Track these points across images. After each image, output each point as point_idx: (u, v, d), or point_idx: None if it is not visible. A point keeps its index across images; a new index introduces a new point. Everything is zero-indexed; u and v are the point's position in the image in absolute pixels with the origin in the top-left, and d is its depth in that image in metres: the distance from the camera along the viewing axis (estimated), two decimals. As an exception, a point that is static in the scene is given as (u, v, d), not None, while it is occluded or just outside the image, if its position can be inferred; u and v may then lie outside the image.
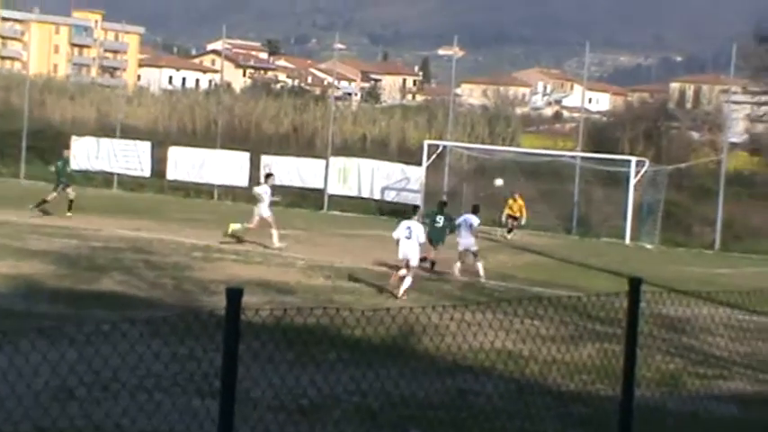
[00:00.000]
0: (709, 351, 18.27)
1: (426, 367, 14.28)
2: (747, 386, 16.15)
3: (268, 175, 33.32)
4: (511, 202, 40.35)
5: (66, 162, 38.65)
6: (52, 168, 38.72)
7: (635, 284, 8.11)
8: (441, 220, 29.24)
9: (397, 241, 24.55)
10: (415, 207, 26.85)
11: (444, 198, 33.88)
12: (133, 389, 10.80)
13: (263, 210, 30.87)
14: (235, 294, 6.31)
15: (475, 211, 29.66)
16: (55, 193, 36.38)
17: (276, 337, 11.90)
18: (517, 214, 40.25)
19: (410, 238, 24.44)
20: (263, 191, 31.46)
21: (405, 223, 25.03)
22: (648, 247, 40.25)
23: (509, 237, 39.44)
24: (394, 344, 14.61)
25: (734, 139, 58.84)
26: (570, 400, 13.55)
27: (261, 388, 10.91)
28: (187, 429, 9.97)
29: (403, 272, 23.97)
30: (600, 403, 13.18)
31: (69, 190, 36.55)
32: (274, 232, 30.40)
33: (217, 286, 22.13)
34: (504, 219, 40.47)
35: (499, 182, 41.14)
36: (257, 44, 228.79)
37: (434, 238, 28.58)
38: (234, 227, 31.05)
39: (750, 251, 40.38)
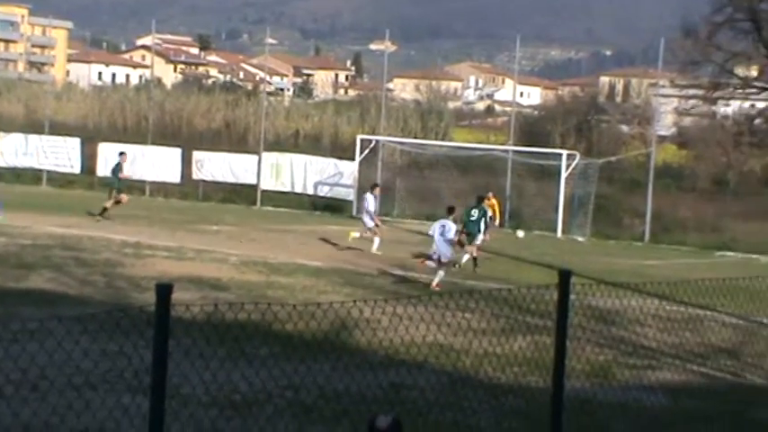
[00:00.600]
0: (638, 342, 18.45)
1: (359, 361, 14.28)
2: (675, 376, 16.34)
3: (374, 186, 34.55)
4: (486, 203, 39.28)
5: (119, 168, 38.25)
6: (109, 175, 38.75)
7: (565, 277, 8.17)
8: (475, 213, 30.65)
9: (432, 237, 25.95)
10: (450, 208, 27.84)
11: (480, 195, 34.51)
12: (62, 387, 10.68)
13: (366, 218, 32.54)
14: (164, 290, 6.26)
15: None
16: (111, 200, 36.67)
17: (207, 333, 11.85)
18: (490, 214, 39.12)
19: (442, 235, 25.80)
20: (369, 200, 32.93)
21: (439, 222, 26.50)
22: (580, 239, 40.59)
23: (486, 238, 37.88)
24: (326, 339, 14.60)
25: (662, 132, 59.46)
26: (502, 393, 13.61)
27: (192, 384, 10.85)
28: (117, 427, 9.90)
29: (432, 264, 25.44)
30: (532, 395, 13.26)
31: (123, 195, 37.10)
32: (377, 240, 31.71)
33: (148, 283, 21.97)
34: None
35: (520, 234, 40.22)
36: (188, 39, 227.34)
37: (471, 231, 29.98)
38: (353, 235, 31.82)
39: (678, 243, 40.83)
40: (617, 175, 51.56)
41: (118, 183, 37.12)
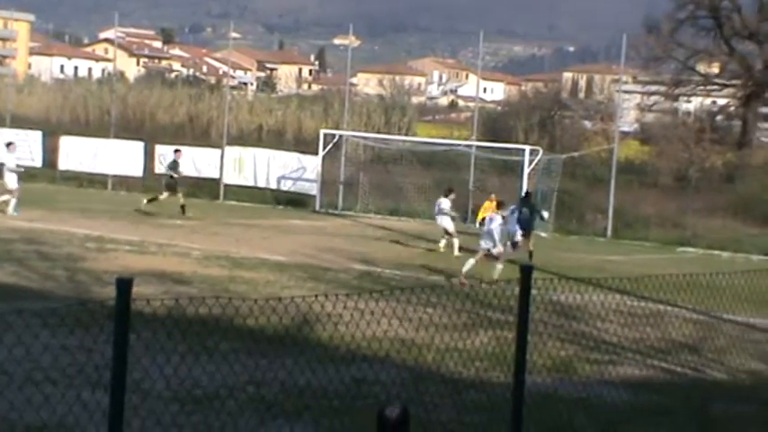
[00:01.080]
0: (600, 337, 18.53)
1: (321, 356, 14.28)
2: (637, 371, 16.43)
3: (449, 190, 34.67)
4: (487, 203, 38.89)
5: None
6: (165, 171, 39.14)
7: (526, 272, 8.19)
8: (525, 211, 31.76)
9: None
10: (500, 202, 29.38)
11: (527, 190, 36.17)
12: (21, 381, 10.62)
13: (446, 222, 32.95)
14: (125, 284, 6.23)
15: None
16: (179, 194, 37.42)
17: (168, 327, 11.80)
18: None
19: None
20: (445, 205, 33.29)
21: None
22: (543, 234, 40.61)
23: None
24: (288, 333, 14.58)
25: (625, 129, 59.73)
26: (464, 387, 13.66)
27: (153, 379, 10.82)
28: (77, 422, 9.85)
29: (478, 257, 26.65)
30: (494, 390, 13.30)
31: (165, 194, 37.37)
32: (455, 241, 32.15)
33: (110, 277, 21.83)
34: (478, 222, 38.76)
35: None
36: (151, 32, 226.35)
37: (525, 227, 30.95)
38: (456, 254, 31.57)
39: (640, 238, 41.02)
40: (580, 171, 51.76)
41: (170, 180, 37.72)
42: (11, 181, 35.62)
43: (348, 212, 44.42)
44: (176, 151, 39.82)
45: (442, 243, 33.08)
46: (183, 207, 37.32)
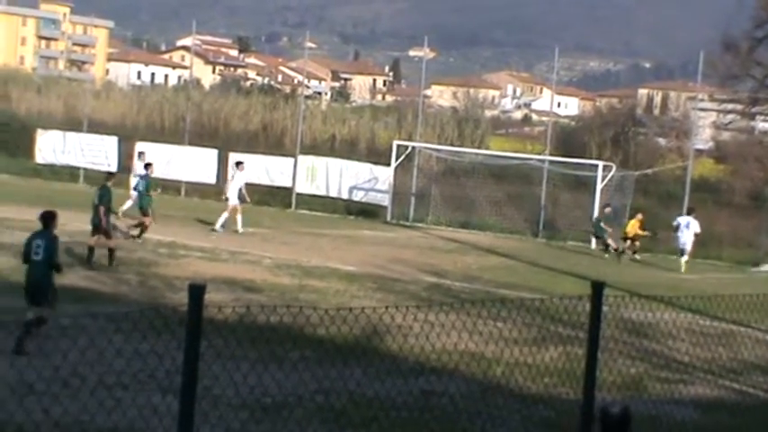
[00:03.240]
0: (671, 356, 18.35)
1: (390, 367, 14.27)
2: (708, 391, 16.24)
3: (691, 209, 38.31)
4: (633, 222, 39.09)
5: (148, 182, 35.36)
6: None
7: (598, 288, 8.13)
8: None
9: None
10: (690, 209, 36.68)
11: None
12: (94, 385, 10.72)
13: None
14: (197, 291, 6.27)
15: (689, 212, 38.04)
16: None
17: (239, 335, 11.86)
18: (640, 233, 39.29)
19: (687, 229, 35.55)
20: (693, 224, 36.70)
21: (683, 218, 36.34)
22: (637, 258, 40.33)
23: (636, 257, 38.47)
24: (358, 344, 14.60)
25: (700, 146, 59.10)
26: (533, 403, 13.58)
27: (223, 386, 10.88)
28: (147, 426, 9.93)
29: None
30: (562, 406, 13.22)
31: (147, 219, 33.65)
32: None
33: (182, 283, 22.03)
34: (627, 241, 39.07)
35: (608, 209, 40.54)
36: (228, 41, 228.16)
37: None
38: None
39: (714, 257, 40.56)
40: (653, 188, 51.29)
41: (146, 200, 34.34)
42: (232, 197, 35.48)
43: (419, 224, 44.40)
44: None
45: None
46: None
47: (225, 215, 34.82)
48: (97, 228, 25.35)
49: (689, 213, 37.76)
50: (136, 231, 30.48)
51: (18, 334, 13.91)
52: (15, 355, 13.15)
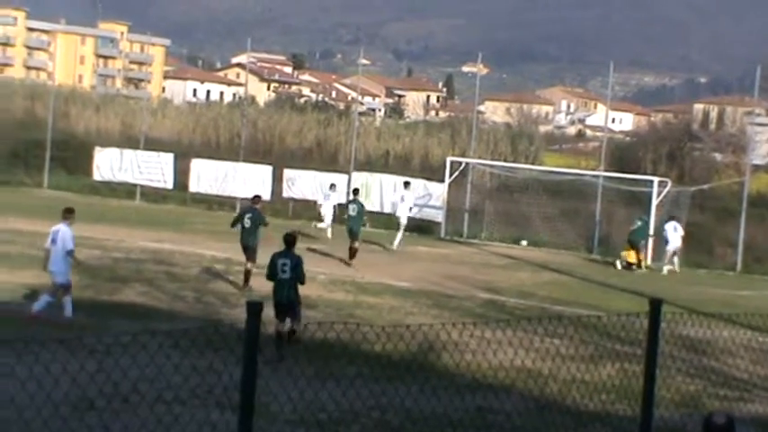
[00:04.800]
0: (729, 373, 18.19)
1: (446, 384, 14.26)
2: (763, 409, 16.08)
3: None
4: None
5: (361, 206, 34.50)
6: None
7: (655, 305, 8.09)
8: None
9: None
10: (672, 216, 37.77)
11: None
12: (152, 401, 10.81)
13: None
14: (255, 307, 6.32)
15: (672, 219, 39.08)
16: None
17: (296, 351, 11.91)
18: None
19: (675, 232, 37.53)
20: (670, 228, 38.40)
21: (668, 224, 37.86)
22: (670, 267, 40.11)
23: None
24: (414, 360, 14.61)
25: (757, 162, 58.54)
26: (590, 420, 13.52)
27: (280, 402, 10.93)
28: (205, 442, 9.98)
29: None
30: (619, 423, 13.15)
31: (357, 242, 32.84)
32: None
33: (238, 299, 22.19)
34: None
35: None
36: (282, 58, 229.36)
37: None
38: None
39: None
40: (709, 204, 50.88)
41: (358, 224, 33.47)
42: (403, 216, 38.79)
43: (473, 240, 44.35)
44: (332, 186, 40.81)
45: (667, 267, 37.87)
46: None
47: (399, 235, 38.12)
48: (249, 249, 25.13)
49: (671, 220, 38.91)
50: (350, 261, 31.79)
51: (277, 345, 15.12)
52: (278, 362, 14.19)
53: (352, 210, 33.52)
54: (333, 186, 42.17)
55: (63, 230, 19.29)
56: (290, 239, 18.29)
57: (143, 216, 42.82)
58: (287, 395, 10.46)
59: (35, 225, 34.09)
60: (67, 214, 19.70)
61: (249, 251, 25.08)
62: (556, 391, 14.37)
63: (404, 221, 38.55)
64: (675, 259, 38.77)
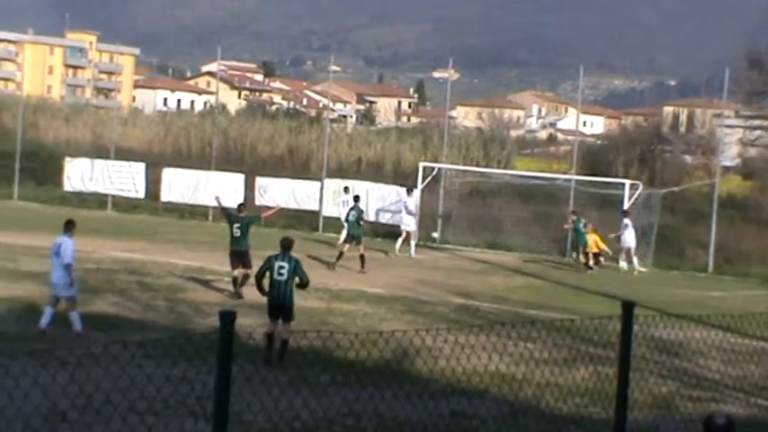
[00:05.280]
0: (701, 374, 18.26)
1: (420, 390, 14.26)
2: (740, 410, 16.14)
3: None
4: (595, 236, 39.45)
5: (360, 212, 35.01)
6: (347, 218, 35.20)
7: (628, 308, 8.12)
8: None
9: None
10: (625, 212, 37.91)
11: None
12: (125, 412, 10.76)
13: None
14: (228, 317, 6.30)
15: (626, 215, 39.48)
16: (347, 245, 33.99)
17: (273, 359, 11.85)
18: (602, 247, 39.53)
19: (628, 228, 37.71)
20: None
21: (625, 221, 38.16)
22: (642, 269, 40.28)
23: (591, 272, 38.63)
24: (388, 366, 14.60)
25: (727, 163, 58.87)
26: (564, 423, 13.54)
27: (254, 411, 10.90)
28: (179, 452, 9.95)
29: None
30: (593, 426, 13.17)
31: (361, 246, 33.51)
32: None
33: (210, 308, 22.13)
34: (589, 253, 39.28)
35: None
36: (252, 66, 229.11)
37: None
38: None
39: (742, 274, 40.37)
40: (680, 206, 51.10)
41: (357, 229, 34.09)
42: (410, 223, 39.91)
43: (446, 245, 44.37)
44: (356, 198, 39.23)
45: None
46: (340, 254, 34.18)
47: (400, 240, 39.30)
48: (243, 255, 25.74)
49: (625, 216, 39.38)
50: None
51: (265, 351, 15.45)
52: (266, 365, 14.56)
53: (353, 216, 34.19)
54: (346, 189, 42.68)
55: (65, 243, 19.30)
56: (287, 243, 18.66)
57: (114, 226, 42.65)
58: (261, 403, 10.42)
59: (5, 237, 33.99)
60: (69, 226, 19.69)
61: (243, 257, 25.49)
62: (530, 395, 14.40)
63: (411, 228, 39.96)
64: (635, 258, 39.17)
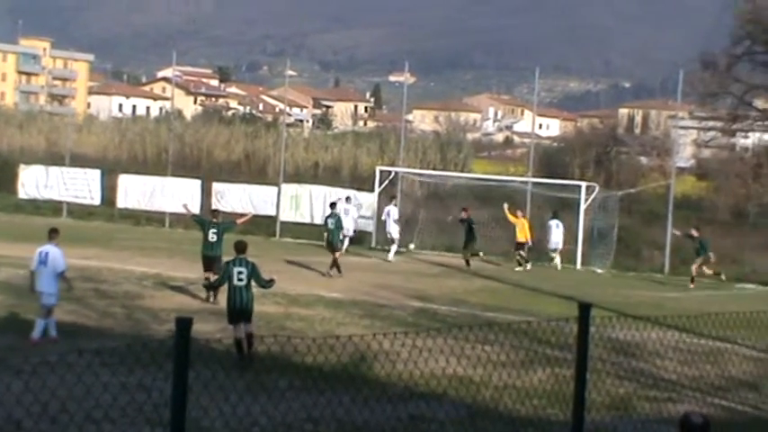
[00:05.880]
0: (658, 374, 18.37)
1: (378, 394, 14.25)
2: (696, 409, 16.24)
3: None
4: (524, 222, 40.27)
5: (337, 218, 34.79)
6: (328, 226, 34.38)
7: (585, 309, 8.14)
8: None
9: None
10: (555, 213, 39.85)
11: None
12: (82, 420, 10.68)
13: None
14: (184, 323, 6.27)
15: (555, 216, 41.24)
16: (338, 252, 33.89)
17: (227, 366, 11.83)
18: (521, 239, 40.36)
19: (557, 229, 39.67)
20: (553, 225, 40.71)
21: (552, 221, 39.78)
22: (599, 271, 40.49)
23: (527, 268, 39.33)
24: (345, 371, 14.58)
25: (681, 164, 59.30)
26: (522, 425, 13.58)
27: (212, 417, 10.86)
28: (137, 460, 9.89)
29: None
30: (551, 428, 13.21)
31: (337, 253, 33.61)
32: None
33: (168, 315, 22.02)
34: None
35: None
36: (208, 71, 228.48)
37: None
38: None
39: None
40: (636, 207, 51.43)
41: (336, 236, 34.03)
42: (394, 231, 40.91)
43: (403, 249, 44.39)
44: (348, 199, 40.89)
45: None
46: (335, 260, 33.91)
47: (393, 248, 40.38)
48: (215, 259, 25.77)
49: (555, 217, 41.27)
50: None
51: (237, 354, 15.58)
52: (246, 366, 14.95)
53: (331, 224, 34.15)
54: (348, 199, 42.62)
55: (52, 251, 19.15)
56: (240, 246, 18.70)
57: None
58: (218, 409, 10.39)
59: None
60: (53, 234, 19.55)
61: (215, 261, 25.53)
62: (488, 398, 14.42)
63: (395, 235, 40.88)
64: (557, 256, 40.78)
